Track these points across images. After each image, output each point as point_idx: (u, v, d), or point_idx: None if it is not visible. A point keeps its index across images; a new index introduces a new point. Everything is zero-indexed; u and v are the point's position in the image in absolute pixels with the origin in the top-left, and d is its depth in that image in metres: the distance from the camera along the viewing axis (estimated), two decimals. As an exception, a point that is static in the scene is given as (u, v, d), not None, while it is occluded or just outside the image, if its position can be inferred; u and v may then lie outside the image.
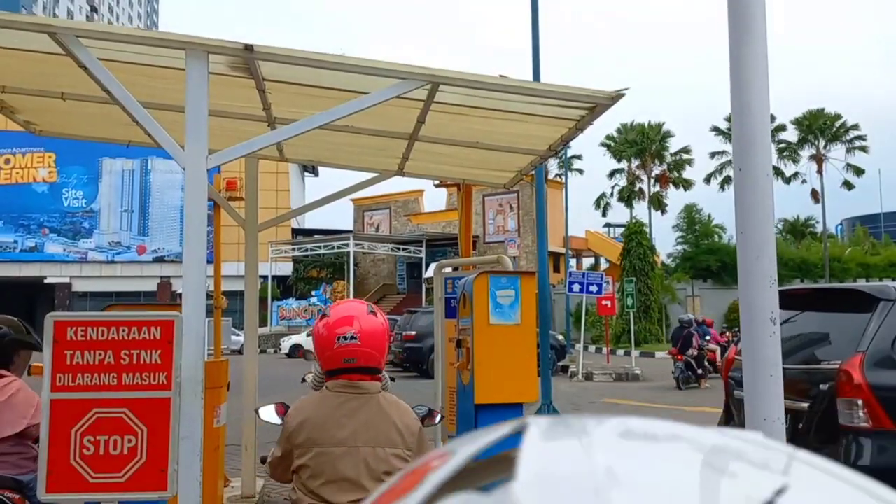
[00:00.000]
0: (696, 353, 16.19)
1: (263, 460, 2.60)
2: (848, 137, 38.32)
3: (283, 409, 2.58)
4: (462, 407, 4.96)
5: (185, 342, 2.97)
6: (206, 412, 5.28)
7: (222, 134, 4.56)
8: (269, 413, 2.65)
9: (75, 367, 2.72)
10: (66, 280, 42.49)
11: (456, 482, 0.40)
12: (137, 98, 3.17)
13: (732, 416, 5.04)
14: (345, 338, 2.34)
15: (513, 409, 4.49)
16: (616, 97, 3.49)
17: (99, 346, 2.74)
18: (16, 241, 42.82)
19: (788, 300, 4.03)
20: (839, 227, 66.66)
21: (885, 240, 44.48)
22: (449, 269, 6.32)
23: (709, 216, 39.83)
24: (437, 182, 7.67)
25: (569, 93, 3.48)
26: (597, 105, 3.71)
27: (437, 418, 3.00)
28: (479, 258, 6.60)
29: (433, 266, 7.25)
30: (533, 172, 6.09)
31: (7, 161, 42.89)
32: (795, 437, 4.01)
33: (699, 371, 16.24)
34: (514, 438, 0.43)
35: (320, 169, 48.85)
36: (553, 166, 43.13)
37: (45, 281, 42.24)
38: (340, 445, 2.28)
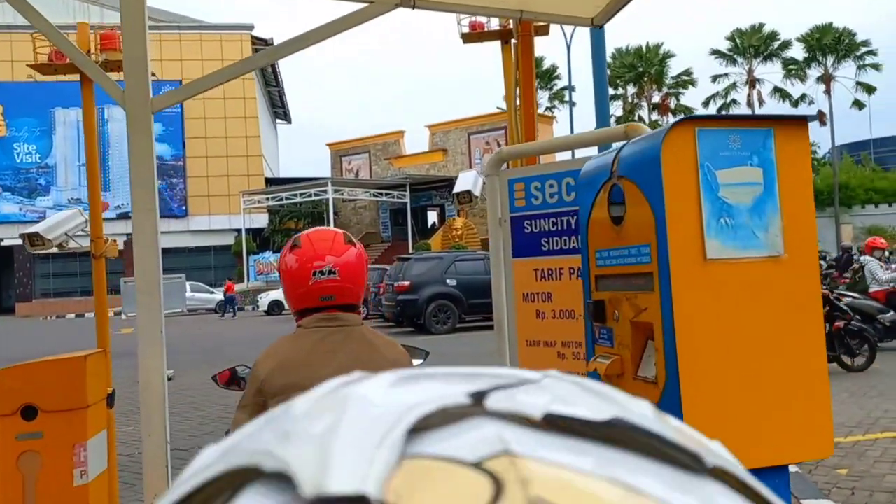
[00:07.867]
0: None
1: (228, 433, 1.92)
2: (858, 54, 35.61)
3: (228, 374, 2.53)
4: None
5: None
6: (51, 461, 2.82)
7: None
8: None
9: None
10: (25, 242, 39.47)
11: None
12: None
13: None
14: (321, 272, 2.05)
15: (772, 478, 1.81)
16: None
17: None
18: (-34, 203, 39.61)
19: None
20: (827, 155, 66.32)
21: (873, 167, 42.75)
22: (509, 166, 3.77)
23: None
24: (466, 27, 4.93)
25: None
26: None
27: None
28: (576, 135, 4.01)
29: (468, 174, 4.70)
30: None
31: (-51, 115, 39.38)
32: None
33: None
34: None
35: (293, 114, 45.55)
36: (543, 99, 40.35)
37: (2, 244, 39.19)
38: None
